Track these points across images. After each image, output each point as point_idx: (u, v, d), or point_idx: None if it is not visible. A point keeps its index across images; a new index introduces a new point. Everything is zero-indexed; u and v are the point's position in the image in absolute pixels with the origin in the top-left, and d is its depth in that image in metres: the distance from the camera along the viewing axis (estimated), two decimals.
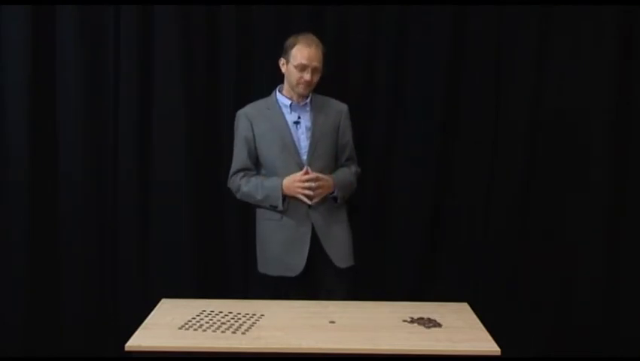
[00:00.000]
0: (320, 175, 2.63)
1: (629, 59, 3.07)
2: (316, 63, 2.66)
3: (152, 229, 3.13)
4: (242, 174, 2.76)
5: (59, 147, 3.08)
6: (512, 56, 3.10)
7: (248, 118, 2.76)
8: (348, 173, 2.79)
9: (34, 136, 3.03)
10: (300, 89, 2.68)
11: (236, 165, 2.78)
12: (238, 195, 2.79)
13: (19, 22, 2.96)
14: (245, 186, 2.73)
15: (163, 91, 3.08)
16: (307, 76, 2.64)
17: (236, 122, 2.81)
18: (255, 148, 2.75)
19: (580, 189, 3.12)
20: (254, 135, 2.74)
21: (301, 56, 2.63)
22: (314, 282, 2.71)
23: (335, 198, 2.73)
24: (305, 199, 2.62)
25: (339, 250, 2.74)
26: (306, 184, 2.60)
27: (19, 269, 3.06)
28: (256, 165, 2.78)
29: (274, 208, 2.68)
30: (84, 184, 3.09)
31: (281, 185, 2.65)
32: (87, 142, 3.08)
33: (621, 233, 3.15)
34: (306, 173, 2.61)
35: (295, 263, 2.69)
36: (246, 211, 3.12)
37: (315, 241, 2.70)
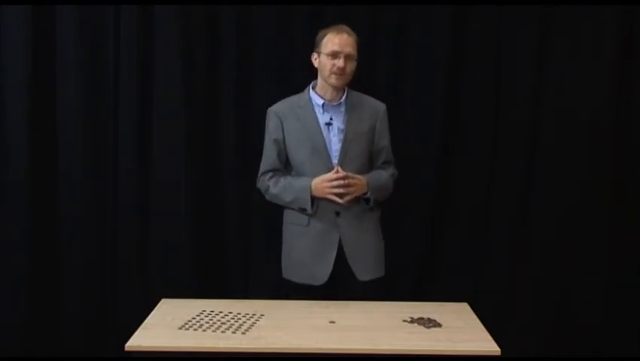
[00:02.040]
0: (351, 174, 2.52)
1: (629, 59, 3.07)
2: (349, 49, 2.54)
3: (152, 229, 3.13)
4: (270, 174, 2.67)
5: (59, 147, 3.08)
6: (512, 56, 3.10)
7: (279, 117, 2.64)
8: (383, 175, 2.68)
9: (34, 136, 3.03)
10: (333, 79, 2.55)
11: (265, 165, 2.69)
12: (267, 197, 2.71)
13: (19, 22, 2.96)
14: (274, 188, 2.64)
15: (163, 91, 3.08)
16: (340, 62, 2.51)
17: (267, 120, 2.68)
18: (285, 149, 2.65)
19: (580, 189, 3.12)
20: (283, 136, 2.63)
21: (332, 44, 2.53)
22: (340, 291, 2.57)
23: (367, 200, 2.60)
24: (336, 199, 2.50)
25: (364, 262, 2.60)
26: (335, 183, 2.49)
27: (19, 269, 3.06)
28: (286, 165, 2.69)
29: (303, 211, 2.59)
30: (84, 184, 3.09)
31: (310, 186, 2.55)
32: (87, 142, 3.08)
33: (621, 233, 3.15)
34: (337, 172, 2.50)
35: (320, 272, 2.58)
36: (246, 211, 3.13)
37: (342, 249, 2.59)
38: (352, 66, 2.57)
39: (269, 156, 2.68)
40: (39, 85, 3.02)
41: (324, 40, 2.56)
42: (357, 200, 2.58)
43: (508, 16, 3.07)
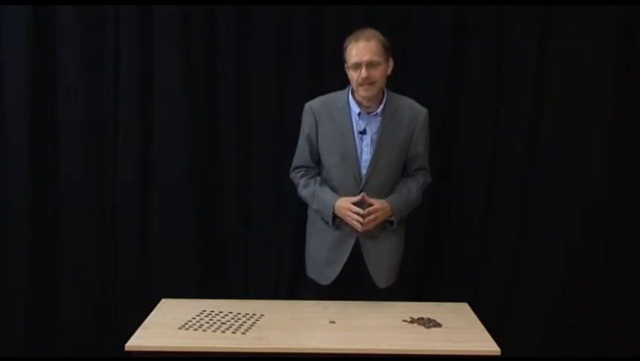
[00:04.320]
0: (376, 207, 2.47)
1: (629, 59, 3.07)
2: (369, 57, 2.44)
3: (152, 229, 3.13)
4: (302, 171, 2.66)
5: (59, 147, 3.08)
6: (512, 56, 3.10)
7: (314, 115, 2.59)
8: (412, 188, 2.62)
9: (34, 136, 3.03)
10: (362, 91, 2.47)
11: (297, 160, 2.69)
12: (299, 195, 2.70)
13: (19, 22, 2.96)
14: (303, 190, 2.64)
15: (163, 91, 3.07)
16: (363, 72, 2.43)
17: (303, 115, 2.65)
18: (317, 147, 2.62)
19: (580, 189, 3.12)
20: (317, 134, 2.59)
21: (352, 54, 2.46)
22: (354, 293, 2.57)
23: (391, 222, 2.57)
24: (355, 225, 2.47)
25: (382, 268, 2.61)
26: (355, 214, 2.46)
27: (18, 269, 3.06)
28: (318, 163, 2.67)
29: (326, 223, 2.59)
30: (84, 184, 3.09)
31: (333, 205, 2.52)
32: (87, 142, 3.07)
33: (621, 232, 3.15)
34: (362, 199, 2.47)
35: (330, 272, 2.59)
36: (246, 212, 3.13)
37: (358, 253, 2.58)
38: (377, 73, 2.47)
39: (301, 152, 2.66)
40: (39, 85, 3.02)
41: (347, 52, 2.51)
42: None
43: (508, 16, 3.07)
